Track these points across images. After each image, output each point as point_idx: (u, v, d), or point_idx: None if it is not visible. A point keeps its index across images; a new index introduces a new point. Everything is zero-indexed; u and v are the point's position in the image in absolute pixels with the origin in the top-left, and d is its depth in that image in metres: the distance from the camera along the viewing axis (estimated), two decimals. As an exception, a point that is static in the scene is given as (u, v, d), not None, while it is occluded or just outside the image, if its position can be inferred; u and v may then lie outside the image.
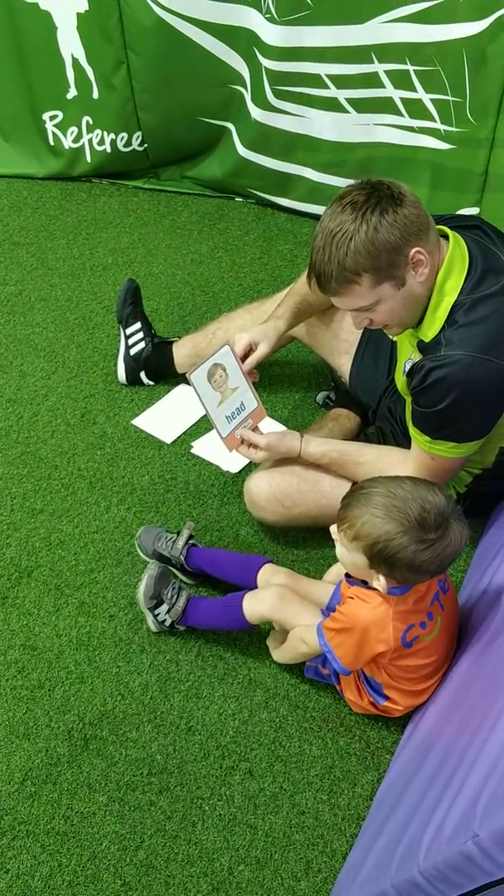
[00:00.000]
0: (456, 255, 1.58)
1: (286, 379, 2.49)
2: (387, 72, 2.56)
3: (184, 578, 1.97)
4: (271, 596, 1.72)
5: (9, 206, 3.25)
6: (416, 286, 1.54)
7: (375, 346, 2.10)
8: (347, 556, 1.48)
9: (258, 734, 1.73)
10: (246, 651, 1.86)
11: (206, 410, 1.84)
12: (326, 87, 2.67)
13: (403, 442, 1.85)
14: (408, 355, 1.69)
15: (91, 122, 3.11)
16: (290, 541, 2.07)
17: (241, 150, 3.01)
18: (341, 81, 2.64)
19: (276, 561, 1.92)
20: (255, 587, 1.81)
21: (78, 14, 2.84)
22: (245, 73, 2.82)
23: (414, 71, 2.51)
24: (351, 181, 1.56)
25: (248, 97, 2.87)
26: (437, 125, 2.59)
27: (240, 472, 2.24)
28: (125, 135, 3.12)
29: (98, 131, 3.13)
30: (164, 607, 1.81)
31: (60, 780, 1.67)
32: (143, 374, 2.46)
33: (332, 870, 1.54)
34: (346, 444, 1.95)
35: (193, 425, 2.37)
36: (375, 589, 1.48)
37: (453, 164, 2.64)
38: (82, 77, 3.00)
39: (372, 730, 1.73)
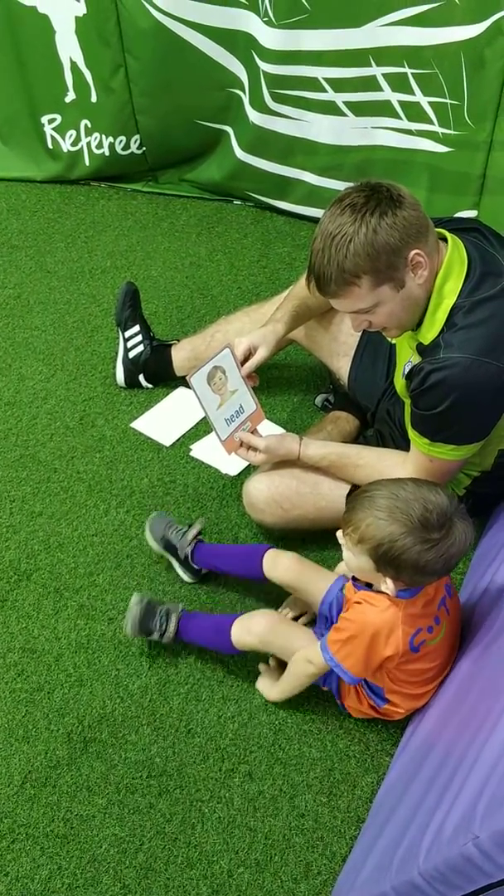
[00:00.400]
0: (454, 257, 1.58)
1: (285, 381, 2.49)
2: (385, 75, 2.56)
3: (182, 574, 1.97)
4: (260, 627, 1.70)
5: (7, 210, 3.25)
6: (415, 288, 1.54)
7: (374, 349, 2.10)
8: (354, 560, 1.48)
9: (257, 737, 1.73)
10: (245, 654, 1.85)
11: (205, 413, 1.84)
12: (324, 90, 2.68)
13: (402, 444, 1.85)
14: (407, 358, 1.70)
15: (89, 125, 3.11)
16: (289, 543, 2.07)
17: (240, 154, 3.01)
18: (339, 85, 2.65)
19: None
20: (262, 574, 1.80)
21: (76, 18, 2.84)
22: (243, 76, 2.83)
23: (412, 74, 2.52)
24: (349, 184, 1.56)
25: (246, 100, 2.87)
26: (435, 128, 2.59)
27: (239, 474, 2.24)
28: (123, 138, 3.12)
29: (96, 134, 3.13)
30: (155, 635, 1.81)
31: (60, 782, 1.67)
32: (141, 377, 2.46)
33: (331, 872, 1.54)
34: (345, 446, 1.95)
35: (192, 428, 2.37)
36: (383, 592, 1.48)
37: (451, 167, 2.64)
38: (81, 80, 3.00)
39: (371, 732, 1.73)
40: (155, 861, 1.56)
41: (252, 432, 1.94)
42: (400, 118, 2.64)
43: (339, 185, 2.83)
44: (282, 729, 1.74)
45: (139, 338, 2.44)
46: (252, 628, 1.71)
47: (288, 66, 2.66)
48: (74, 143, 3.18)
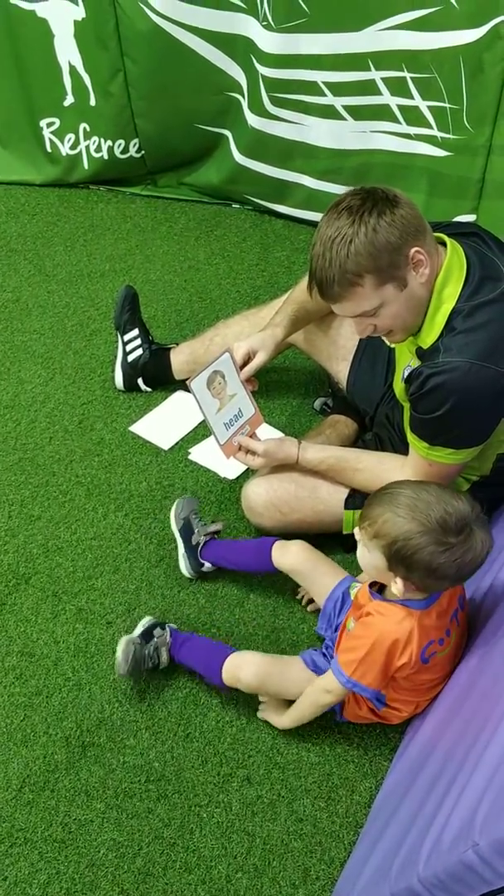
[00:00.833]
0: (454, 262, 1.58)
1: (284, 385, 2.49)
2: (384, 79, 2.56)
3: (184, 566, 1.98)
4: (249, 677, 1.68)
5: (6, 213, 3.25)
6: (417, 287, 1.54)
7: (373, 353, 2.10)
8: (367, 556, 1.47)
9: (256, 741, 1.73)
10: (244, 658, 1.85)
11: (204, 417, 1.84)
12: (323, 94, 2.68)
13: (401, 448, 1.85)
14: (406, 362, 1.69)
15: (88, 129, 3.12)
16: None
17: (238, 157, 3.02)
18: (338, 89, 2.65)
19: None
20: (270, 565, 1.81)
21: (75, 21, 2.84)
22: (242, 80, 2.83)
23: (411, 78, 2.52)
24: (348, 188, 1.57)
25: (244, 104, 2.87)
26: (434, 132, 2.60)
27: (237, 478, 2.24)
28: (122, 142, 3.13)
29: (95, 138, 3.13)
30: (149, 666, 1.79)
31: (58, 787, 1.67)
32: (140, 381, 2.46)
33: (330, 877, 1.54)
34: (344, 450, 1.95)
35: (191, 431, 2.37)
36: (397, 603, 1.48)
37: (450, 171, 2.64)
38: (79, 84, 3.01)
39: (370, 736, 1.72)
40: (153, 866, 1.56)
41: (251, 436, 1.94)
42: (399, 122, 2.64)
43: (338, 189, 2.83)
44: (280, 734, 1.73)
45: (138, 341, 2.44)
46: (242, 678, 1.69)
47: (287, 70, 2.67)
48: (73, 147, 3.18)
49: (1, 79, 3.08)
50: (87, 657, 1.87)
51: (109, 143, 3.13)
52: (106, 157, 3.18)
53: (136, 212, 3.25)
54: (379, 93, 2.60)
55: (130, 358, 2.44)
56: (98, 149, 3.16)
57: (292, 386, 2.50)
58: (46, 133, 3.17)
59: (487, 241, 1.69)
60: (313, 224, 2.95)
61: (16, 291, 2.89)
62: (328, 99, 2.69)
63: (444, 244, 1.62)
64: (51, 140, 3.19)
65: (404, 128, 2.65)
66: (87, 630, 1.92)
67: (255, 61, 2.72)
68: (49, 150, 3.23)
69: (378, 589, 1.57)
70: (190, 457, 2.31)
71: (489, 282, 1.58)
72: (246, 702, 1.78)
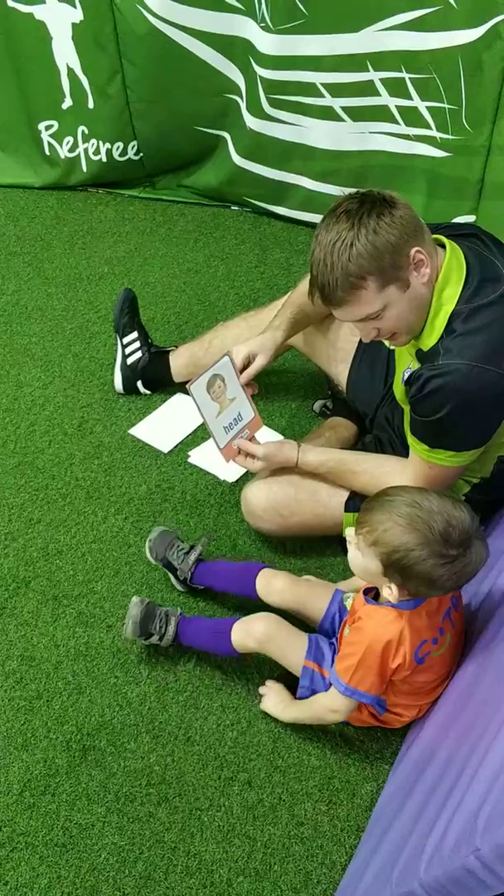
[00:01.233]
0: (453, 264, 1.58)
1: (283, 388, 2.49)
2: (382, 80, 2.56)
3: (177, 585, 1.97)
4: (258, 631, 1.70)
5: (5, 216, 3.25)
6: (419, 287, 1.54)
7: (372, 355, 2.10)
8: (361, 559, 1.47)
9: (257, 744, 1.73)
10: (244, 660, 1.85)
11: (204, 421, 1.83)
12: (322, 95, 2.68)
13: (401, 451, 1.84)
14: (406, 364, 1.69)
15: (86, 131, 3.12)
16: (288, 550, 2.07)
17: (237, 159, 3.01)
18: (336, 90, 2.65)
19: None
20: (256, 595, 1.80)
21: (73, 24, 2.84)
22: (240, 82, 2.83)
23: (409, 79, 2.52)
24: (346, 190, 1.56)
25: (243, 106, 2.87)
26: (433, 133, 2.59)
27: (237, 481, 2.23)
28: (121, 144, 3.12)
29: (94, 141, 3.13)
30: (155, 637, 1.80)
31: (59, 791, 1.67)
32: (139, 384, 2.46)
33: (331, 881, 1.54)
34: (344, 453, 1.94)
35: (190, 434, 2.37)
36: (387, 605, 1.48)
37: (449, 172, 2.64)
38: (77, 87, 3.00)
39: (371, 740, 1.72)
40: (154, 870, 1.56)
41: (250, 439, 1.94)
42: (398, 123, 2.64)
43: (337, 191, 2.80)
44: (281, 737, 1.73)
45: (137, 344, 2.44)
46: (252, 631, 1.71)
47: (285, 72, 2.67)
48: (72, 150, 3.18)
49: (-1, 81, 3.08)
50: (87, 661, 1.87)
51: (108, 145, 3.13)
52: (104, 159, 3.17)
53: (135, 214, 3.25)
54: (377, 94, 2.60)
55: (130, 361, 2.44)
56: (96, 151, 3.16)
57: (291, 388, 2.50)
58: (45, 136, 3.17)
59: (487, 243, 1.68)
60: (312, 226, 2.94)
61: (15, 294, 2.89)
62: (327, 100, 2.69)
63: (442, 246, 1.62)
64: (49, 143, 3.19)
65: (403, 129, 2.65)
66: (87, 634, 1.92)
67: (253, 63, 2.71)
68: (47, 152, 3.23)
69: (374, 595, 1.57)
70: (189, 460, 2.30)
71: (489, 283, 1.57)
72: (247, 706, 1.78)
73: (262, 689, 1.77)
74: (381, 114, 2.65)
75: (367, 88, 2.60)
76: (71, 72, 2.97)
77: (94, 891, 1.53)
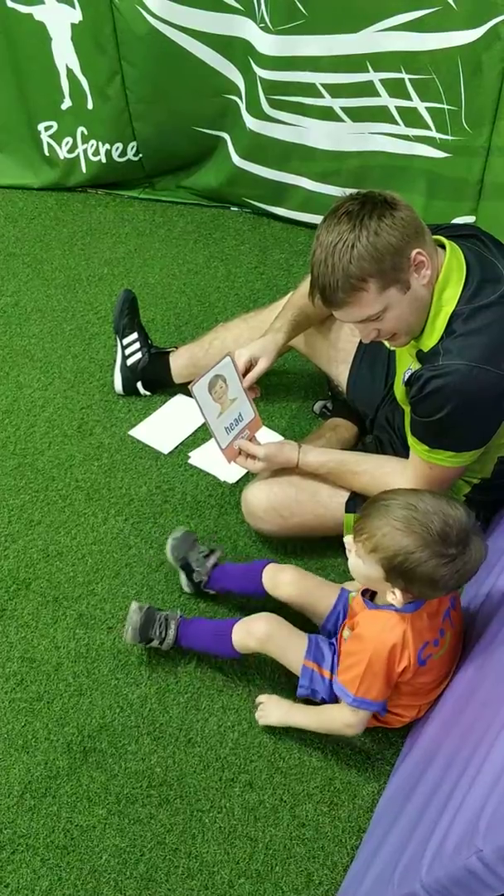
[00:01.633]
0: (453, 264, 1.58)
1: (283, 388, 2.49)
2: (382, 80, 2.56)
3: (186, 587, 1.96)
4: (259, 631, 1.70)
5: (4, 217, 3.24)
6: (420, 289, 1.54)
7: (372, 356, 2.10)
8: (362, 567, 1.46)
9: (258, 746, 1.72)
10: (245, 662, 1.85)
11: (206, 422, 1.83)
12: (321, 95, 2.68)
13: (401, 451, 1.84)
14: (407, 365, 1.69)
15: (86, 132, 3.11)
16: (289, 551, 2.07)
17: (237, 160, 3.01)
18: (336, 90, 2.65)
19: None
20: (263, 590, 1.79)
21: (72, 25, 2.84)
22: (240, 82, 2.83)
23: (409, 79, 2.52)
24: (346, 190, 1.57)
25: (242, 107, 2.87)
26: (433, 133, 2.59)
27: (237, 482, 2.23)
28: (120, 145, 3.12)
29: (93, 141, 3.13)
30: (155, 642, 1.80)
31: (60, 793, 1.67)
32: (139, 385, 2.46)
33: (333, 882, 1.54)
34: (344, 454, 1.94)
35: (191, 435, 2.37)
36: (389, 608, 1.48)
37: (449, 173, 2.64)
38: (77, 87, 3.00)
39: (372, 741, 1.72)
40: (155, 872, 1.56)
41: (250, 440, 1.94)
42: (397, 124, 2.64)
43: (337, 191, 2.79)
44: (282, 738, 1.73)
45: (137, 345, 2.43)
46: (253, 631, 1.71)
47: (285, 72, 2.67)
48: (71, 151, 3.18)
49: (-2, 82, 3.08)
50: (87, 662, 1.87)
51: (107, 146, 3.13)
52: (104, 160, 3.17)
53: (135, 215, 3.25)
54: (377, 94, 2.60)
55: (129, 362, 2.44)
56: (96, 152, 3.16)
57: (292, 389, 2.50)
58: (44, 136, 3.17)
59: (487, 243, 1.69)
60: (312, 226, 2.94)
61: (14, 295, 2.89)
62: (326, 101, 2.69)
63: (442, 246, 1.62)
64: (48, 143, 3.19)
65: (403, 129, 2.65)
66: (87, 635, 1.92)
67: (252, 63, 2.71)
68: (47, 153, 3.22)
69: (370, 596, 1.57)
70: (190, 461, 2.30)
71: (489, 284, 1.57)
72: (248, 707, 1.78)
73: (257, 714, 1.74)
74: (381, 114, 2.65)
75: (367, 89, 2.60)
76: (70, 72, 2.97)
77: (95, 893, 1.53)
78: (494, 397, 1.55)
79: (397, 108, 2.61)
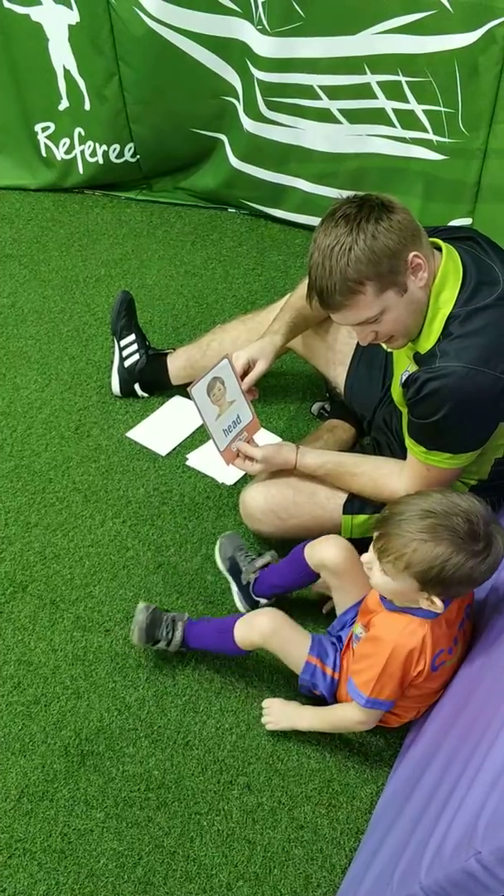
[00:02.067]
0: (449, 267, 1.58)
1: (281, 390, 2.49)
2: (379, 83, 2.56)
3: (238, 602, 1.94)
4: (264, 623, 1.70)
5: (1, 218, 3.24)
6: (417, 291, 1.54)
7: (370, 358, 2.10)
8: (392, 584, 1.44)
9: (256, 748, 1.72)
10: (243, 664, 1.85)
11: (204, 424, 1.83)
12: (319, 98, 2.68)
13: (399, 453, 1.84)
14: (404, 367, 1.69)
15: (83, 133, 3.11)
16: (287, 552, 2.05)
17: (234, 162, 3.01)
18: (334, 92, 2.65)
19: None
20: (315, 574, 1.78)
21: (69, 26, 2.84)
22: (237, 84, 2.83)
23: (406, 82, 2.52)
24: (344, 192, 1.57)
25: (240, 108, 2.87)
26: (430, 136, 2.60)
27: (235, 483, 2.23)
28: (117, 146, 3.12)
29: (90, 143, 3.13)
30: (162, 643, 1.80)
31: (57, 796, 1.66)
32: (137, 386, 2.46)
33: (331, 884, 1.53)
34: (342, 455, 1.94)
35: (188, 437, 2.37)
36: (409, 611, 1.48)
37: (446, 175, 2.64)
38: (74, 88, 3.00)
39: (370, 742, 1.72)
40: (154, 875, 1.55)
41: (248, 442, 1.93)
42: (394, 126, 2.65)
43: (334, 193, 2.81)
44: (280, 740, 1.73)
45: (135, 346, 2.43)
46: (255, 626, 1.70)
47: (282, 74, 2.67)
48: (68, 152, 3.18)
49: (-5, 84, 3.07)
50: (85, 665, 1.86)
51: (104, 147, 3.12)
52: (101, 161, 3.17)
53: (132, 216, 3.25)
54: (374, 96, 2.60)
55: (127, 363, 2.43)
56: (93, 153, 3.16)
57: (290, 391, 2.50)
58: (41, 137, 3.17)
59: (483, 246, 1.69)
60: (309, 228, 2.96)
61: (11, 297, 2.89)
62: (324, 102, 2.69)
63: (439, 249, 1.62)
64: (46, 144, 3.18)
65: (400, 131, 2.65)
66: (85, 638, 1.91)
67: (250, 65, 2.72)
68: (44, 154, 3.22)
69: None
70: (188, 462, 2.30)
71: (485, 286, 1.58)
72: (246, 709, 1.78)
73: (264, 719, 1.74)
74: (378, 117, 2.65)
75: (364, 91, 2.60)
76: (67, 73, 2.97)
77: (93, 896, 1.53)
78: (491, 399, 1.55)
79: (394, 110, 2.61)
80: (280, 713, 1.72)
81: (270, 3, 2.50)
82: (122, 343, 2.43)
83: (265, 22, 2.55)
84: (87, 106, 3.03)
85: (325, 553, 1.74)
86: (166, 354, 2.44)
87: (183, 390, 2.31)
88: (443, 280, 1.57)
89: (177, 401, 2.45)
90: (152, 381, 2.45)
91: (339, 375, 2.17)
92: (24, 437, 2.38)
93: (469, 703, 1.40)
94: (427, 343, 1.58)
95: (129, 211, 3.27)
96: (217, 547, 1.97)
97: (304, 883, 1.54)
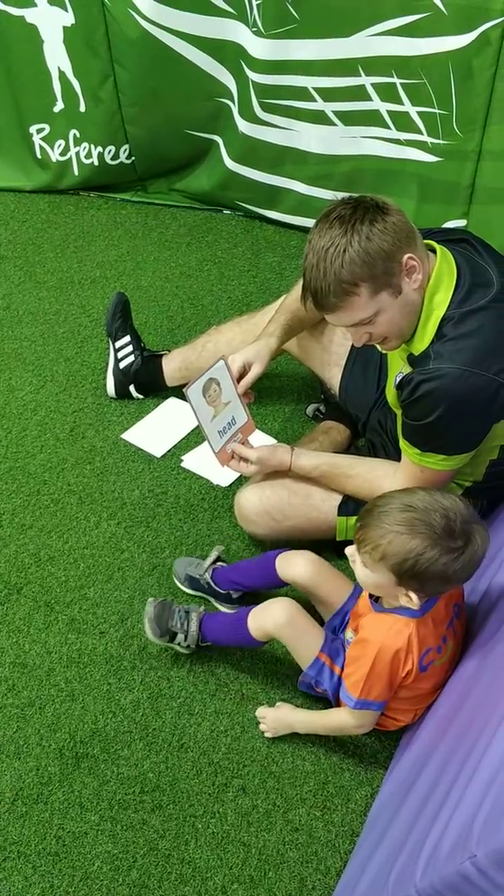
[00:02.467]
0: (444, 269, 1.59)
1: (276, 392, 2.49)
2: (373, 85, 2.56)
3: (218, 605, 1.95)
4: (275, 613, 1.69)
5: (-4, 220, 3.24)
6: (411, 293, 1.54)
7: (365, 359, 2.10)
8: (372, 576, 1.45)
9: (251, 750, 1.72)
10: (238, 666, 1.85)
11: (200, 425, 1.83)
12: (313, 99, 2.68)
13: (394, 455, 1.84)
14: (398, 368, 1.69)
15: (78, 135, 3.11)
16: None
17: (229, 163, 3.01)
18: (328, 94, 2.65)
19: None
20: (281, 582, 1.78)
21: (64, 27, 2.83)
22: (232, 86, 2.83)
23: (400, 84, 2.52)
24: (339, 194, 1.57)
25: (235, 110, 2.87)
26: (424, 138, 2.60)
27: (230, 485, 2.23)
28: (112, 148, 3.12)
29: (85, 144, 3.13)
30: (181, 636, 1.79)
31: (52, 799, 1.66)
32: (132, 388, 2.45)
33: (326, 887, 1.53)
34: (337, 457, 1.94)
35: (183, 439, 2.36)
36: (395, 612, 1.48)
37: (440, 177, 2.64)
38: (69, 90, 3.00)
39: (365, 745, 1.72)
40: (148, 878, 1.55)
41: (243, 443, 1.93)
42: (389, 128, 2.64)
43: (329, 195, 2.83)
44: (275, 742, 1.73)
45: (130, 348, 2.43)
46: (268, 614, 1.69)
47: (277, 76, 2.67)
48: (63, 153, 3.18)
49: (-10, 85, 3.07)
50: (80, 667, 1.86)
51: (100, 149, 3.12)
52: (96, 163, 3.17)
53: (127, 218, 3.24)
54: (369, 98, 2.60)
55: (122, 365, 2.43)
56: (88, 155, 3.15)
57: (285, 392, 2.50)
58: (36, 139, 3.16)
59: (477, 248, 1.69)
60: (304, 230, 2.96)
61: (6, 298, 2.88)
62: (318, 104, 2.69)
63: (433, 251, 1.62)
64: (41, 146, 3.18)
65: (394, 133, 2.65)
66: (79, 640, 1.91)
67: (245, 67, 2.72)
68: (39, 156, 3.22)
69: (376, 598, 1.56)
70: (183, 464, 2.30)
71: (479, 288, 1.58)
72: (241, 711, 1.77)
73: (262, 727, 1.74)
74: (373, 118, 2.65)
75: (359, 93, 2.60)
76: (62, 75, 2.96)
77: (87, 899, 1.53)
78: (485, 400, 1.55)
79: (389, 112, 2.61)
80: (275, 721, 1.72)
81: (265, 5, 2.50)
82: (118, 344, 2.43)
83: (260, 24, 2.55)
84: (82, 107, 3.03)
85: (295, 570, 1.75)
86: (161, 356, 2.44)
87: (178, 392, 2.31)
88: (437, 282, 1.57)
89: (172, 402, 2.45)
90: (147, 383, 2.45)
91: (333, 377, 2.17)
92: (19, 439, 2.38)
93: (465, 704, 1.40)
94: (421, 345, 1.58)
95: (124, 212, 3.27)
96: (174, 577, 1.99)
97: (298, 886, 1.54)
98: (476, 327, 1.54)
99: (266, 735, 1.73)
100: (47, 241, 3.13)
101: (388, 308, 1.54)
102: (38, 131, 3.14)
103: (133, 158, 3.16)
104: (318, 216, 1.54)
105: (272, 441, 2.30)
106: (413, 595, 1.42)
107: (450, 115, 2.50)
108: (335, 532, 1.95)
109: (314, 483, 1.93)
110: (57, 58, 2.92)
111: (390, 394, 1.77)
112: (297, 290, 1.77)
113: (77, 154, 3.17)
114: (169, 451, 2.34)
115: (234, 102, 2.86)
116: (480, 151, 2.53)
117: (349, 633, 1.62)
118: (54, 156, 3.19)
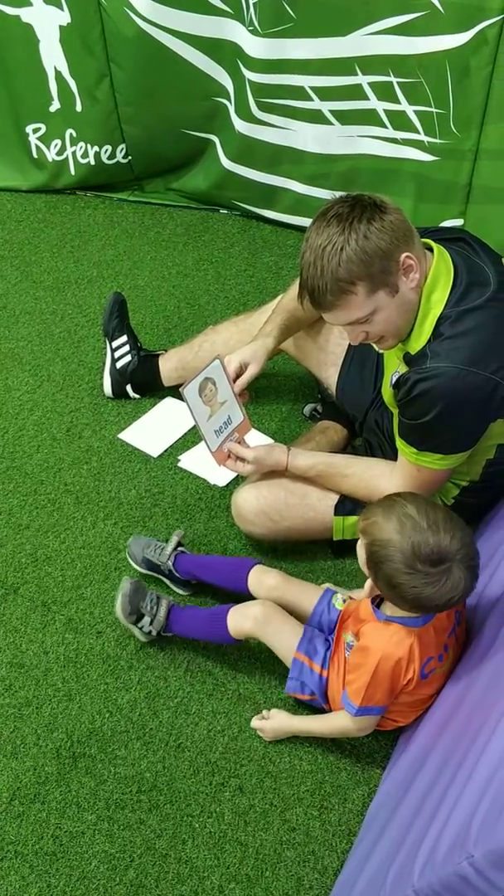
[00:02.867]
0: (441, 268, 1.59)
1: (273, 391, 2.48)
2: (370, 84, 2.56)
3: (175, 588, 1.96)
4: (255, 613, 1.70)
5: (-8, 219, 3.24)
6: (408, 292, 1.54)
7: (361, 359, 2.10)
8: (360, 549, 1.48)
9: (248, 750, 1.72)
10: (235, 666, 1.85)
11: (196, 425, 1.83)
12: (310, 99, 2.68)
13: (391, 454, 1.84)
14: (395, 368, 1.69)
15: (74, 134, 3.11)
16: (279, 554, 2.06)
17: (226, 163, 3.01)
18: (325, 93, 2.65)
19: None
20: (247, 589, 1.79)
21: (60, 27, 2.83)
22: (229, 85, 2.83)
23: (397, 83, 2.52)
24: (336, 193, 1.57)
25: (232, 109, 2.87)
26: (421, 137, 2.60)
27: (227, 485, 2.23)
28: (109, 147, 3.11)
29: (82, 144, 3.12)
30: (147, 619, 1.79)
31: (49, 798, 1.66)
32: (129, 388, 2.45)
33: (323, 887, 1.53)
34: (334, 456, 1.94)
35: (180, 439, 2.36)
36: (397, 620, 1.48)
37: (437, 176, 2.65)
38: (65, 90, 2.99)
39: (362, 744, 1.72)
40: (145, 878, 1.55)
41: (239, 442, 1.93)
42: (386, 127, 2.65)
43: (326, 194, 2.83)
44: (272, 742, 1.73)
45: (126, 348, 2.43)
46: (250, 613, 1.71)
47: (274, 75, 2.67)
48: (59, 153, 3.17)
49: (-14, 84, 3.06)
50: (77, 667, 1.86)
51: (96, 148, 3.12)
52: (93, 162, 3.16)
53: (124, 217, 3.24)
54: (366, 97, 2.60)
55: (119, 365, 2.43)
56: (85, 154, 3.15)
57: (282, 392, 2.50)
58: (32, 139, 3.16)
59: (474, 247, 1.69)
60: (301, 229, 2.96)
61: (2, 298, 2.88)
62: (315, 103, 2.69)
63: (430, 250, 1.62)
64: (37, 146, 3.17)
65: (391, 132, 2.65)
66: (76, 640, 1.91)
67: (241, 66, 2.71)
68: (35, 155, 3.21)
69: (378, 603, 1.56)
70: (179, 464, 2.30)
71: (476, 287, 1.58)
72: (238, 711, 1.77)
73: (259, 732, 1.74)
74: (370, 118, 2.65)
75: (356, 92, 2.60)
76: (59, 74, 2.96)
77: (84, 899, 1.53)
78: (482, 400, 1.55)
79: (386, 111, 2.61)
80: (273, 732, 1.72)
81: (261, 4, 2.50)
82: (114, 344, 2.43)
83: (256, 23, 2.55)
84: (79, 107, 3.03)
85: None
86: (158, 356, 2.44)
87: (175, 392, 2.31)
88: (434, 281, 1.57)
89: (169, 402, 2.45)
90: (144, 383, 2.45)
91: (330, 377, 2.17)
92: (16, 439, 2.38)
93: (462, 705, 1.40)
94: (417, 344, 1.58)
95: (120, 212, 3.27)
96: (128, 557, 1.98)
97: (296, 885, 1.54)
98: (473, 326, 1.54)
99: (266, 739, 1.73)
100: (44, 241, 3.13)
101: (385, 307, 1.54)
102: (35, 131, 3.13)
103: (130, 158, 3.16)
104: (315, 215, 1.54)
105: (269, 441, 2.30)
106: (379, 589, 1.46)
107: (447, 114, 2.50)
108: (332, 532, 1.94)
109: (311, 483, 1.93)
110: (53, 57, 2.92)
111: (387, 393, 1.78)
112: (294, 289, 1.77)
113: (73, 154, 3.16)
114: (166, 450, 2.34)
115: (230, 102, 2.86)
116: (477, 150, 2.53)
117: (350, 637, 1.62)
118: (51, 155, 3.19)
